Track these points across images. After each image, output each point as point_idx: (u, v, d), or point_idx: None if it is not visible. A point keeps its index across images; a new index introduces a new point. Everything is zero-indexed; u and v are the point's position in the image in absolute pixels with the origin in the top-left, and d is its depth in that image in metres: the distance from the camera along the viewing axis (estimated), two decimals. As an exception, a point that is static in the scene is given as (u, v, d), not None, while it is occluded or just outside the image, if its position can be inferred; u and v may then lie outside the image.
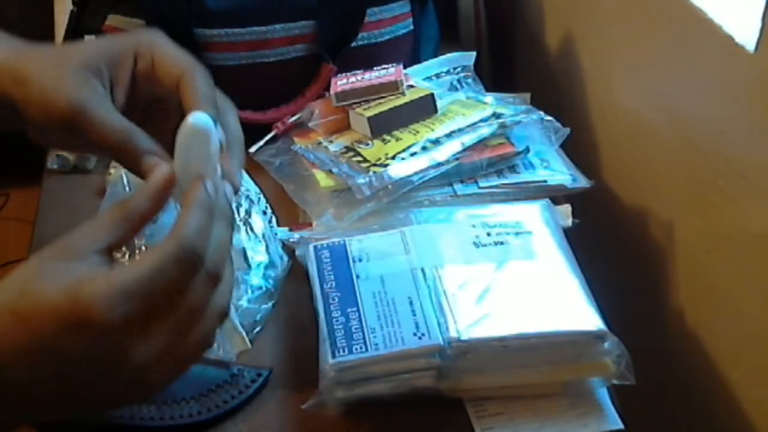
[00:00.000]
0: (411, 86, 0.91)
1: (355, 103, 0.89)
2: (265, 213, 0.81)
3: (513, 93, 0.96)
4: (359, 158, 0.83)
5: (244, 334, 0.70)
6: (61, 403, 0.50)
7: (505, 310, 0.66)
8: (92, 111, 0.58)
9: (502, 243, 0.73)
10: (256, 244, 0.76)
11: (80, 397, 0.50)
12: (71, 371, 0.48)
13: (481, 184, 0.83)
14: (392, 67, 0.91)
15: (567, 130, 0.87)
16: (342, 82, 0.91)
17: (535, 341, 0.65)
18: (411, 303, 0.68)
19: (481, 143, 0.84)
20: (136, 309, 0.48)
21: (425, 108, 0.88)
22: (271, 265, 0.76)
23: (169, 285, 0.49)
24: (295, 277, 0.77)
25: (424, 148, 0.83)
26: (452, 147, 0.83)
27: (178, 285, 0.49)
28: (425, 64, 0.98)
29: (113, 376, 0.49)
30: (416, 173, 0.80)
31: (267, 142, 0.91)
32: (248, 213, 0.78)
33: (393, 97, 0.89)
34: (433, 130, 0.85)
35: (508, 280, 0.69)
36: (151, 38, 0.62)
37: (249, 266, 0.74)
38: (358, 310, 0.67)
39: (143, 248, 0.72)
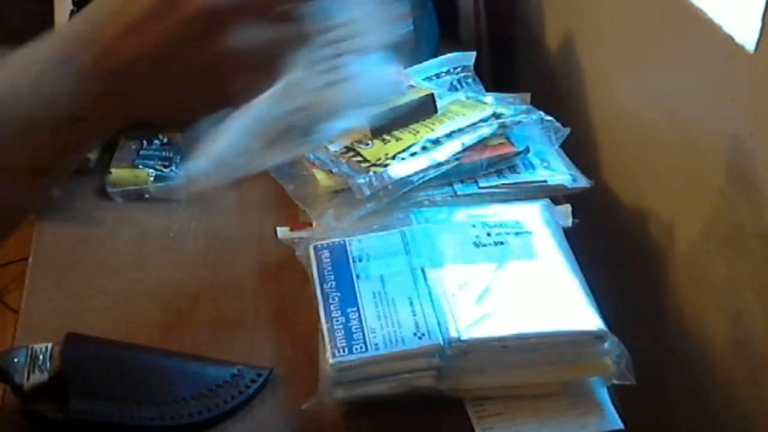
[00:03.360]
0: (411, 86, 0.91)
1: (355, 103, 0.89)
2: None
3: (513, 93, 0.95)
4: (359, 158, 0.83)
5: None
6: (155, 85, 0.51)
7: (505, 310, 0.66)
8: None
9: (502, 243, 0.73)
10: None
11: (174, 77, 0.51)
12: (170, 42, 0.49)
13: (481, 184, 0.83)
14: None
15: (567, 130, 0.87)
16: (342, 82, 0.91)
17: (535, 341, 0.65)
18: (411, 303, 0.68)
19: (481, 143, 0.84)
20: None
21: (425, 108, 0.88)
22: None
23: None
24: (295, 277, 0.77)
25: (424, 148, 0.83)
26: (452, 147, 0.83)
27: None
28: (425, 64, 0.98)
29: (204, 55, 0.50)
30: (416, 173, 0.80)
31: (267, 142, 0.91)
32: None
33: (393, 97, 0.89)
34: (433, 130, 0.85)
35: (508, 280, 0.69)
36: None
37: None
38: (358, 310, 0.67)
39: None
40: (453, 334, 0.65)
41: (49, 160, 0.52)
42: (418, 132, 0.85)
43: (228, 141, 0.56)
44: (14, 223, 0.54)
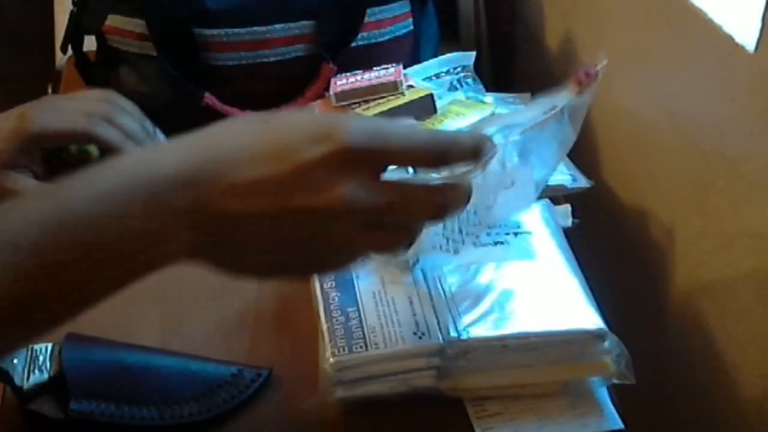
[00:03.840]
0: (410, 86, 0.91)
1: (354, 103, 0.89)
2: None
3: (513, 93, 0.96)
4: (359, 158, 0.83)
5: None
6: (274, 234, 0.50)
7: (505, 310, 0.66)
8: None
9: (501, 243, 0.73)
10: None
11: (294, 229, 0.50)
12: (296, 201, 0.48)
13: (481, 184, 0.83)
14: (392, 67, 0.91)
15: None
16: (341, 83, 0.91)
17: (535, 341, 0.65)
18: (411, 302, 0.68)
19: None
20: (374, 147, 0.50)
21: (424, 108, 0.88)
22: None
23: (407, 151, 0.51)
24: (295, 277, 0.77)
25: (424, 148, 0.82)
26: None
27: (412, 156, 0.52)
28: (425, 64, 0.98)
29: (329, 222, 0.50)
30: (416, 173, 0.80)
31: (267, 142, 0.91)
32: None
33: (392, 97, 0.89)
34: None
35: (507, 280, 0.69)
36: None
37: None
38: (358, 310, 0.67)
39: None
40: (453, 333, 0.65)
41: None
42: (418, 132, 0.85)
43: None
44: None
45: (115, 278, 0.49)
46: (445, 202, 0.53)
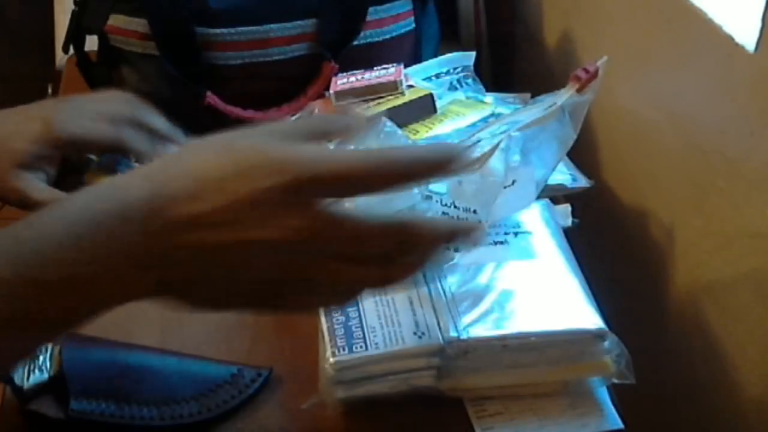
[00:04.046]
0: (410, 86, 0.91)
1: (354, 102, 0.89)
2: None
3: (513, 93, 0.95)
4: (359, 158, 0.83)
5: None
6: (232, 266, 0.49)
7: (505, 310, 0.66)
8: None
9: (501, 242, 0.73)
10: None
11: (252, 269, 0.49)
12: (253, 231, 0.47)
13: (480, 184, 0.83)
14: (392, 66, 0.91)
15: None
16: (342, 82, 0.91)
17: (535, 340, 0.65)
18: (411, 302, 0.68)
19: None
20: (325, 175, 0.48)
21: (424, 108, 0.88)
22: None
23: (361, 176, 0.48)
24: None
25: (424, 148, 0.82)
26: (452, 147, 0.83)
27: (368, 181, 0.49)
28: (425, 64, 0.98)
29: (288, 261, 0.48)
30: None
31: (267, 142, 0.91)
32: None
33: (392, 96, 0.89)
34: (432, 129, 0.85)
35: (507, 280, 0.69)
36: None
37: None
38: (358, 309, 0.67)
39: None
40: (453, 333, 0.65)
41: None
42: (417, 132, 0.85)
43: None
44: None
45: (74, 318, 0.49)
46: (413, 234, 0.50)
